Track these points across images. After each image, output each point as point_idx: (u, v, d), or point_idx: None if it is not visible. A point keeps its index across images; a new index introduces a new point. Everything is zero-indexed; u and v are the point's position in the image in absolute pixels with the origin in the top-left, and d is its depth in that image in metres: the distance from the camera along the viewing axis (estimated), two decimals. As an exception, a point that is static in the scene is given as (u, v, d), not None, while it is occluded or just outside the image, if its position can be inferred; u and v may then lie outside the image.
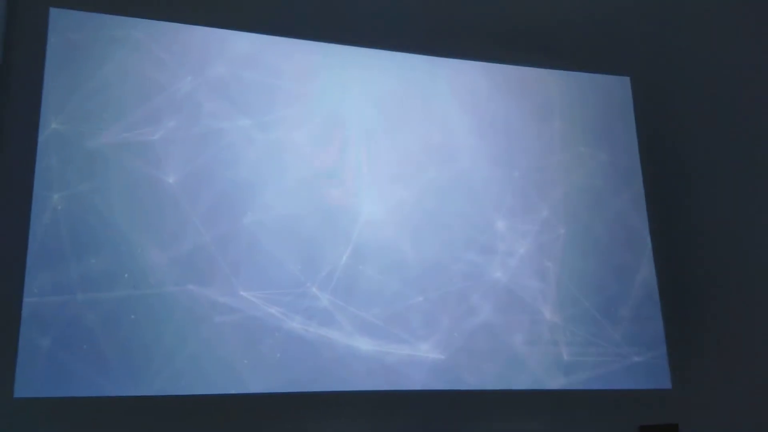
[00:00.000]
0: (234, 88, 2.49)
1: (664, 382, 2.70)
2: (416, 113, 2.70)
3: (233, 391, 2.23)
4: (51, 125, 2.26)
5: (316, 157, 2.53)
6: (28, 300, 2.11)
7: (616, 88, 3.03)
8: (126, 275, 2.21)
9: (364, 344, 2.39)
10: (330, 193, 2.51)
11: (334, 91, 2.62)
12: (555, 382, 2.57)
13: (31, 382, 2.06)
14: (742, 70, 3.01)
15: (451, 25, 2.84)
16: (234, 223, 2.36)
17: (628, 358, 2.69)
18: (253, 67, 2.54)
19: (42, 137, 2.24)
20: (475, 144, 2.74)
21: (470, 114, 2.77)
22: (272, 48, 2.59)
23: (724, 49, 3.05)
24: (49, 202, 2.20)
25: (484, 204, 2.68)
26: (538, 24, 2.96)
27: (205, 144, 2.40)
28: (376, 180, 2.58)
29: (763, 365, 2.75)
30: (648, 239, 2.86)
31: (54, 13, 2.35)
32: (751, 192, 2.92)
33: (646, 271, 2.82)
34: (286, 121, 2.53)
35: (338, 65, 2.66)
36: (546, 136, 2.86)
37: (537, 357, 2.57)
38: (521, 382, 2.53)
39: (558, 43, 2.97)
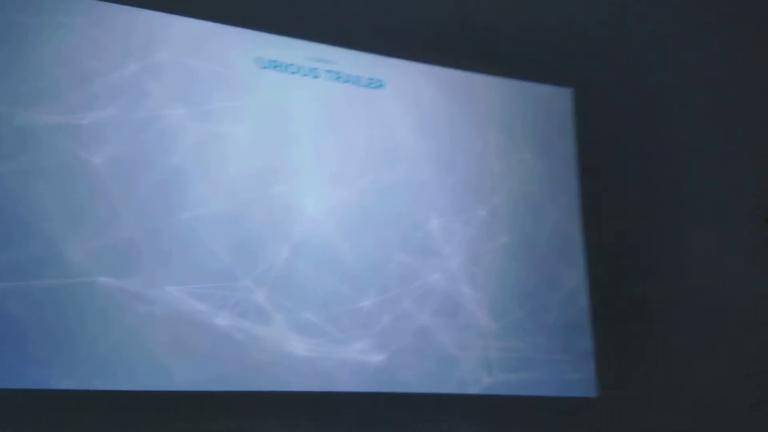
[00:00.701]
0: (176, 75, 2.41)
1: (591, 391, 2.75)
2: (360, 112, 2.69)
3: (158, 386, 2.17)
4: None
5: (258, 151, 2.48)
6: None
7: (559, 99, 3.07)
8: (50, 260, 2.11)
9: (299, 343, 2.36)
10: (271, 189, 2.46)
11: (279, 85, 2.58)
12: (483, 386, 2.59)
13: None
14: (685, 88, 3.07)
15: (397, 26, 2.84)
16: (168, 215, 2.29)
17: (556, 366, 2.72)
18: (198, 55, 2.47)
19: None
20: (418, 146, 2.74)
21: (413, 116, 2.77)
22: (218, 37, 2.53)
23: (668, 67, 3.11)
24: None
25: (424, 207, 2.68)
26: (485, 31, 2.97)
27: (142, 132, 2.32)
28: (319, 178, 2.55)
29: (691, 378, 2.79)
30: (581, 250, 2.91)
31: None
32: (685, 208, 2.98)
33: (577, 281, 2.86)
34: (229, 113, 2.47)
35: (285, 58, 2.61)
36: (487, 142, 2.87)
37: (468, 361, 2.59)
38: (451, 385, 2.55)
39: (504, 51, 2.99)
